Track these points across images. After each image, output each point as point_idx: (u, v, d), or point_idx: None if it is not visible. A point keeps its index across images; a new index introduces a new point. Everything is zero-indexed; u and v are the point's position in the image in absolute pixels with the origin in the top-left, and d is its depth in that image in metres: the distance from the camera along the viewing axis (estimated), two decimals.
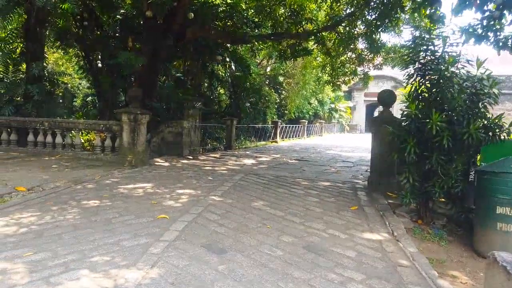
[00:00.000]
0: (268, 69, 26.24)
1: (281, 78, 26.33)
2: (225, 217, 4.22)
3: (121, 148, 7.80)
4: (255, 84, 17.36)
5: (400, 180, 4.44)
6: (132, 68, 9.41)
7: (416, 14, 13.30)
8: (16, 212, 4.13)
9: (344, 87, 29.63)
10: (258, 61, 23.85)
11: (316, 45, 14.52)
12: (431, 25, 9.22)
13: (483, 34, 10.19)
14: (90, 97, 14.65)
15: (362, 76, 16.91)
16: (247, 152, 11.97)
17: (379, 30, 11.37)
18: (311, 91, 27.97)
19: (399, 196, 5.51)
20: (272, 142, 17.17)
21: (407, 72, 4.84)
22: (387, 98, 5.97)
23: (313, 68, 22.65)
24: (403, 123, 4.68)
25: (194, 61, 13.14)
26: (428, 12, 8.69)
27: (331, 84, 17.60)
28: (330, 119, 33.46)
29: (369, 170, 8.19)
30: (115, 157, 7.81)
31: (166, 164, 8.24)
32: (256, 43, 11.40)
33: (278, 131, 17.69)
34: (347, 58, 16.58)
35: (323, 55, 16.34)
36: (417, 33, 14.34)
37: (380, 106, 6.44)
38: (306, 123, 23.85)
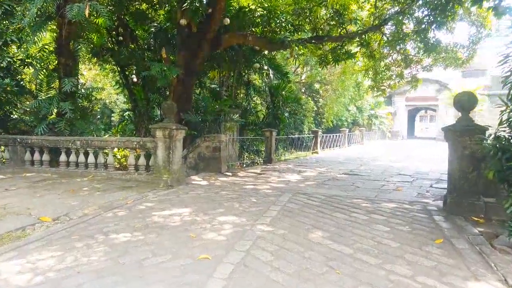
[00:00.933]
0: (303, 76, 25.38)
1: (317, 85, 25.41)
2: (279, 256, 3.39)
3: (156, 167, 7.19)
4: (293, 92, 16.54)
5: (506, 207, 3.44)
6: (166, 80, 8.90)
7: (473, 8, 12.10)
8: (35, 252, 3.51)
9: (383, 93, 27.96)
10: (294, 69, 23.06)
11: (359, 47, 13.53)
12: (496, 17, 8.02)
13: None
14: (127, 112, 14.40)
15: (410, 79, 15.68)
16: (289, 166, 11.11)
17: (433, 27, 10.26)
18: (350, 97, 26.81)
19: (487, 222, 4.48)
20: (313, 153, 16.20)
21: (503, 68, 3.86)
22: (466, 102, 4.95)
23: (352, 74, 21.59)
24: (503, 133, 3.69)
25: (230, 70, 12.54)
26: (491, 3, 7.58)
27: (375, 89, 16.48)
28: (370, 126, 31.94)
29: (434, 186, 7.12)
30: (150, 177, 7.22)
31: (204, 182, 7.55)
32: (296, 47, 10.60)
33: (319, 141, 16.72)
34: (392, 61, 15.45)
35: (366, 59, 15.31)
36: (473, 29, 13.06)
37: (455, 110, 5.43)
38: (347, 131, 22.65)
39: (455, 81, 34.57)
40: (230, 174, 8.90)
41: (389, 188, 7.06)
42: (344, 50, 12.97)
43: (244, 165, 11.04)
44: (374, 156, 15.16)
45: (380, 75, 16.03)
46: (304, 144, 17.22)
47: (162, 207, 5.29)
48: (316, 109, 24.80)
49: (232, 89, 13.20)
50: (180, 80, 9.83)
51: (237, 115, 11.42)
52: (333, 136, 19.40)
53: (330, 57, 13.28)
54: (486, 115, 31.86)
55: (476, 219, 4.58)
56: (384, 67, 15.67)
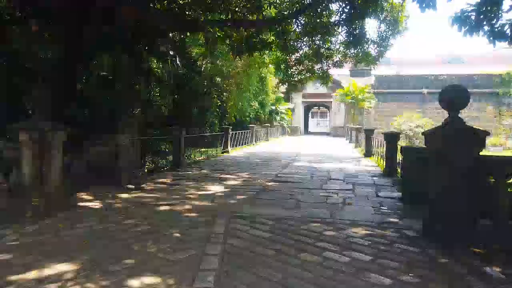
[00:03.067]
0: (203, 68, 23.68)
1: (218, 79, 23.97)
2: None
3: (20, 187, 4.83)
4: (201, 84, 14.75)
5: None
6: (37, 60, 6.38)
7: (385, 3, 11.89)
8: None
9: (282, 88, 28.05)
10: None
11: (275, 37, 12.40)
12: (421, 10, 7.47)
13: (477, 22, 8.76)
14: None
15: (321, 74, 15.21)
16: (204, 171, 9.38)
17: (360, 17, 9.59)
18: (254, 92, 26.00)
19: (493, 254, 3.49)
20: (223, 152, 14.67)
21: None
22: (457, 98, 3.91)
23: (259, 67, 20.66)
24: None
25: (127, 54, 10.20)
26: None
27: (286, 83, 15.67)
28: (272, 121, 31.82)
29: (381, 195, 6.21)
30: (12, 202, 4.82)
31: (98, 204, 5.40)
32: (211, 30, 8.89)
33: (229, 139, 15.26)
34: (303, 54, 14.75)
35: (280, 51, 14.33)
36: (382, 26, 12.92)
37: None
38: (254, 128, 21.71)
39: (346, 79, 36.54)
40: (133, 187, 6.82)
41: (336, 200, 5.89)
42: (259, 38, 11.70)
43: (150, 173, 8.97)
44: (288, 154, 14.30)
45: (292, 70, 15.31)
46: (214, 143, 15.62)
47: (25, 262, 3.16)
48: (219, 103, 23.38)
49: (129, 78, 10.86)
50: (59, 63, 7.32)
51: (138, 110, 9.26)
52: (242, 133, 18.13)
53: (244, 46, 11.89)
54: (373, 113, 34.52)
55: (478, 250, 3.58)
56: (295, 61, 14.95)
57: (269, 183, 7.48)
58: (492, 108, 32.70)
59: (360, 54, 13.83)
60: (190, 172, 9.02)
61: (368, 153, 13.77)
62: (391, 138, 8.99)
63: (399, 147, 8.48)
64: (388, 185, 7.40)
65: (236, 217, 4.73)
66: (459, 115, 3.92)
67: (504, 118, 32.53)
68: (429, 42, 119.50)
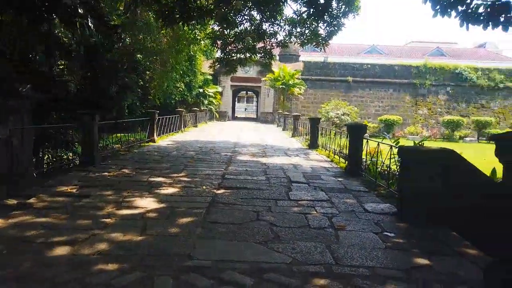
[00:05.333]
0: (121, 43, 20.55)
1: (140, 55, 21.06)
2: None
3: None
4: (120, 59, 12.07)
5: None
6: None
7: None
8: None
9: (210, 70, 25.99)
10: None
11: (215, 6, 10.37)
12: None
13: (451, 1, 7.76)
14: None
15: (263, 54, 13.56)
16: (126, 170, 7.14)
17: None
18: (181, 72, 23.53)
19: None
20: (148, 141, 12.32)
21: None
22: None
23: (189, 44, 18.33)
24: None
25: (18, 14, 7.40)
26: None
27: (224, 63, 13.72)
28: (199, 105, 29.56)
29: (370, 210, 4.76)
30: None
31: None
32: None
33: (155, 125, 12.92)
34: (243, 31, 12.93)
35: (218, 24, 12.34)
36: (334, 2, 11.54)
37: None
38: (183, 112, 19.42)
39: (275, 63, 35.46)
40: (15, 203, 4.49)
41: (320, 222, 4.28)
42: (197, 4, 9.61)
43: (47, 176, 6.50)
44: (225, 145, 12.47)
45: (230, 47, 13.40)
46: (133, 127, 13.14)
47: None
48: (142, 83, 20.56)
49: (19, 45, 8.04)
50: None
51: (29, 86, 6.65)
52: (170, 118, 15.80)
53: (177, 13, 9.70)
54: (301, 99, 34.09)
55: None
56: (234, 37, 13.07)
57: (219, 191, 5.63)
58: (410, 98, 34.23)
59: (308, 33, 12.45)
60: (107, 173, 6.73)
61: (313, 145, 12.55)
62: (356, 130, 7.67)
63: (369, 142, 7.20)
64: (363, 191, 6.05)
65: (189, 270, 2.86)
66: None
67: (420, 107, 34.32)
68: (349, 32, 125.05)
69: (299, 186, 6.18)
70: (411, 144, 6.88)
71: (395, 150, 6.21)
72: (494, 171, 5.21)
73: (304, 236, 3.76)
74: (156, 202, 4.85)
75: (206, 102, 31.02)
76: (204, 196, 5.25)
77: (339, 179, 7.04)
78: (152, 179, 6.37)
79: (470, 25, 8.05)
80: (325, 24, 11.72)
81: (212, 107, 31.86)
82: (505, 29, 8.01)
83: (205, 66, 28.01)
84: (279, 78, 31.27)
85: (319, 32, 11.96)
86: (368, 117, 32.53)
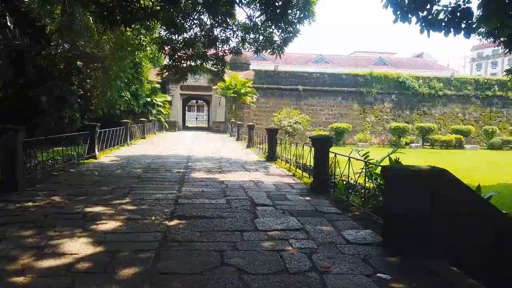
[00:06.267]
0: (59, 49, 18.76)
1: (80, 63, 19.35)
2: None
3: None
4: (54, 64, 10.65)
5: None
6: None
7: None
8: None
9: (157, 78, 25.00)
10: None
11: (162, 7, 9.43)
12: None
13: (411, 5, 7.50)
14: None
15: (215, 61, 12.75)
16: (57, 197, 5.92)
17: None
18: (126, 80, 22.04)
19: None
20: (89, 158, 10.94)
21: None
22: None
23: (134, 50, 17.06)
24: None
25: None
26: None
27: (173, 70, 12.72)
28: (147, 115, 27.99)
29: (353, 241, 4.09)
30: None
31: None
32: None
33: (96, 139, 11.55)
34: (193, 36, 12.08)
35: (165, 28, 11.37)
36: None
37: None
38: (129, 124, 17.99)
39: (227, 72, 34.83)
40: None
41: (300, 262, 3.50)
42: (140, 4, 8.63)
43: None
44: (177, 160, 11.39)
45: (179, 54, 12.45)
46: (72, 142, 11.67)
47: None
48: (82, 93, 18.84)
49: None
50: None
51: None
52: (114, 131, 14.40)
53: (119, 13, 8.66)
54: (253, 108, 33.61)
55: None
56: (183, 43, 12.15)
57: (171, 223, 4.68)
58: (358, 105, 35.07)
59: (262, 40, 11.84)
60: (31, 203, 5.50)
61: (271, 157, 11.88)
62: (321, 143, 7.07)
63: (335, 156, 6.62)
64: (336, 213, 5.40)
65: None
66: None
67: (368, 115, 35.25)
68: (296, 41, 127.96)
69: (265, 210, 5.39)
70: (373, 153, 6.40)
71: (361, 164, 5.67)
72: (479, 188, 4.79)
73: (283, 287, 2.97)
74: (91, 245, 3.82)
75: (154, 112, 29.50)
76: (154, 232, 4.28)
77: (307, 198, 6.37)
78: (89, 209, 5.26)
79: (431, 31, 7.85)
80: (280, 31, 11.18)
81: (161, 117, 30.36)
82: (467, 35, 7.86)
83: (152, 74, 26.57)
84: (230, 86, 30.57)
85: (274, 39, 11.39)
86: (319, 125, 32.78)
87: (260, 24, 11.41)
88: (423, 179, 3.67)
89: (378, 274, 3.25)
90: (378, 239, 4.16)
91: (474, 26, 7.12)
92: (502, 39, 11.11)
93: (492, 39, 11.68)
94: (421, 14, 7.64)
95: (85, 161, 10.53)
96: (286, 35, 11.14)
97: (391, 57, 63.80)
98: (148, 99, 28.48)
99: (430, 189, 3.61)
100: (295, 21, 10.79)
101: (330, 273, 3.26)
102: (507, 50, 11.02)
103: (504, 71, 11.81)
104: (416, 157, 16.50)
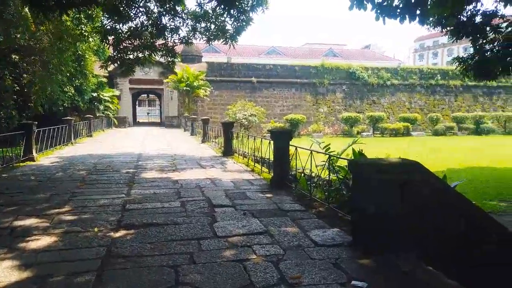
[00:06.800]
0: None
1: (15, 56, 17.64)
2: None
3: None
4: None
5: None
6: None
7: None
8: None
9: (103, 71, 23.78)
10: None
11: None
12: None
13: None
14: None
15: (164, 52, 12.00)
16: None
17: None
18: (68, 74, 20.47)
19: None
20: (25, 161, 9.84)
21: None
22: None
23: (75, 41, 15.75)
24: None
25: None
26: None
27: (118, 63, 11.81)
28: (94, 111, 26.35)
29: (320, 239, 3.77)
30: None
31: None
32: None
33: (33, 139, 10.42)
34: (139, 25, 11.26)
35: (108, 16, 10.49)
36: None
37: None
38: (73, 121, 16.68)
39: (177, 64, 33.65)
40: None
41: (269, 275, 3.04)
42: None
43: None
44: (127, 158, 10.58)
45: (125, 44, 11.58)
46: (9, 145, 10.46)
47: None
48: (17, 89, 17.20)
49: None
50: None
51: None
52: (56, 129, 13.18)
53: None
54: (207, 101, 32.83)
55: None
56: (129, 33, 11.30)
57: (118, 234, 4.10)
58: (311, 97, 35.44)
59: (214, 29, 11.28)
60: None
61: (228, 152, 11.41)
62: (281, 136, 6.71)
63: (297, 150, 6.30)
64: (299, 210, 5.08)
65: None
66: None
67: (320, 106, 35.76)
68: (248, 33, 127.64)
69: (224, 212, 4.95)
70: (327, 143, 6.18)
71: (325, 157, 5.42)
72: (445, 177, 4.66)
73: None
74: (17, 269, 3.17)
75: (101, 107, 27.86)
76: (96, 247, 3.69)
77: (268, 195, 6.01)
78: (19, 222, 4.52)
79: (386, 18, 7.75)
80: (232, 19, 10.68)
81: (109, 113, 28.75)
82: (421, 22, 7.84)
83: (98, 68, 24.96)
84: (182, 79, 29.56)
85: (226, 28, 10.88)
86: (274, 117, 32.74)
87: (211, 12, 10.87)
88: (394, 173, 3.41)
89: (353, 282, 2.93)
90: (347, 239, 3.87)
91: (428, 13, 7.08)
92: (448, 28, 11.37)
93: (440, 28, 11.94)
94: (376, 1, 7.51)
95: (21, 164, 9.45)
96: (239, 24, 10.67)
97: (341, 48, 65.36)
98: (94, 94, 26.82)
99: (402, 182, 3.36)
100: (248, 9, 10.36)
101: (301, 285, 2.90)
102: (454, 38, 11.30)
103: (453, 58, 12.14)
104: (373, 147, 16.79)
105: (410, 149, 16.96)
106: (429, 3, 6.96)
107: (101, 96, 27.58)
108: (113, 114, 29.59)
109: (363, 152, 5.10)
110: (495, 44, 11.18)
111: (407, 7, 7.32)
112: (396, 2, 7.41)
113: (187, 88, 29.50)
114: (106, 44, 11.52)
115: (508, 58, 10.82)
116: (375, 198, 3.45)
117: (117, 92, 30.51)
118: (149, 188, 6.58)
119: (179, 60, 12.58)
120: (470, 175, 10.53)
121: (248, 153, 9.71)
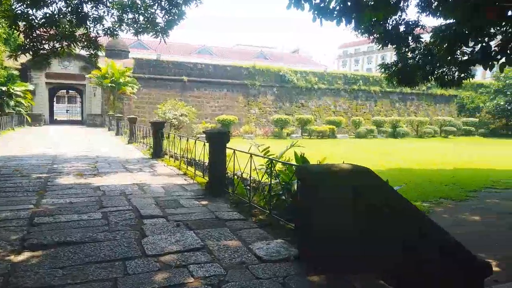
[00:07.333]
0: None
1: None
2: None
3: None
4: None
5: None
6: None
7: None
8: None
9: (15, 63, 21.79)
10: None
11: None
12: None
13: None
14: None
15: (86, 43, 10.85)
16: None
17: None
18: None
19: None
20: None
21: None
22: None
23: None
24: None
25: None
26: None
27: (32, 54, 10.41)
28: (3, 108, 23.42)
29: (263, 254, 3.42)
30: None
31: None
32: None
33: None
34: (56, 12, 10.06)
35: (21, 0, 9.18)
36: None
37: None
38: None
39: (101, 59, 31.51)
40: None
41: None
42: None
43: None
44: (40, 161, 9.28)
45: (39, 32, 10.25)
46: None
47: None
48: None
49: None
50: None
51: None
52: None
53: None
54: (134, 99, 31.10)
55: None
56: (44, 19, 10.02)
57: (19, 257, 3.33)
58: (242, 98, 35.45)
59: (142, 21, 10.46)
60: None
61: (158, 154, 10.63)
62: (217, 138, 6.26)
63: (260, 160, 5.90)
64: (239, 219, 4.69)
65: None
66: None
67: (252, 107, 35.93)
68: (181, 31, 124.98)
69: (155, 224, 4.37)
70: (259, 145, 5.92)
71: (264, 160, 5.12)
72: (387, 182, 4.59)
73: None
74: None
75: (12, 103, 24.88)
76: None
77: (203, 202, 5.53)
78: None
79: (323, 20, 7.71)
80: (163, 12, 10.01)
81: (21, 109, 25.79)
82: (356, 26, 7.95)
83: (7, 58, 22.19)
84: (107, 75, 27.60)
85: (157, 21, 10.15)
86: (205, 117, 32.11)
87: (140, 2, 10.06)
88: (345, 180, 3.17)
89: None
90: (293, 251, 3.57)
91: (364, 17, 7.16)
92: (376, 35, 11.83)
93: (367, 35, 12.40)
94: (314, 2, 7.43)
95: None
96: (170, 17, 10.04)
97: (271, 51, 66.60)
98: (4, 88, 23.88)
99: (354, 190, 3.13)
100: (181, 1, 9.77)
101: None
102: (380, 45, 11.79)
103: (379, 65, 12.70)
104: (307, 149, 17.03)
105: (340, 151, 17.56)
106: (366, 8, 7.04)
107: (12, 91, 24.60)
108: (26, 111, 26.61)
109: (305, 156, 4.87)
110: (416, 53, 11.87)
111: (344, 10, 7.35)
112: (333, 4, 7.42)
113: (112, 85, 27.62)
114: (16, 31, 10.07)
115: (427, 66, 11.57)
116: (325, 208, 3.19)
117: (31, 87, 27.46)
118: (65, 196, 5.70)
119: (103, 53, 11.49)
120: (390, 176, 11.03)
121: (180, 155, 9.10)
